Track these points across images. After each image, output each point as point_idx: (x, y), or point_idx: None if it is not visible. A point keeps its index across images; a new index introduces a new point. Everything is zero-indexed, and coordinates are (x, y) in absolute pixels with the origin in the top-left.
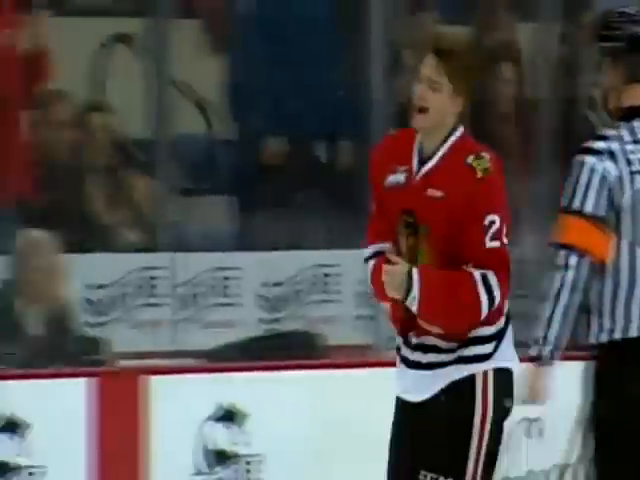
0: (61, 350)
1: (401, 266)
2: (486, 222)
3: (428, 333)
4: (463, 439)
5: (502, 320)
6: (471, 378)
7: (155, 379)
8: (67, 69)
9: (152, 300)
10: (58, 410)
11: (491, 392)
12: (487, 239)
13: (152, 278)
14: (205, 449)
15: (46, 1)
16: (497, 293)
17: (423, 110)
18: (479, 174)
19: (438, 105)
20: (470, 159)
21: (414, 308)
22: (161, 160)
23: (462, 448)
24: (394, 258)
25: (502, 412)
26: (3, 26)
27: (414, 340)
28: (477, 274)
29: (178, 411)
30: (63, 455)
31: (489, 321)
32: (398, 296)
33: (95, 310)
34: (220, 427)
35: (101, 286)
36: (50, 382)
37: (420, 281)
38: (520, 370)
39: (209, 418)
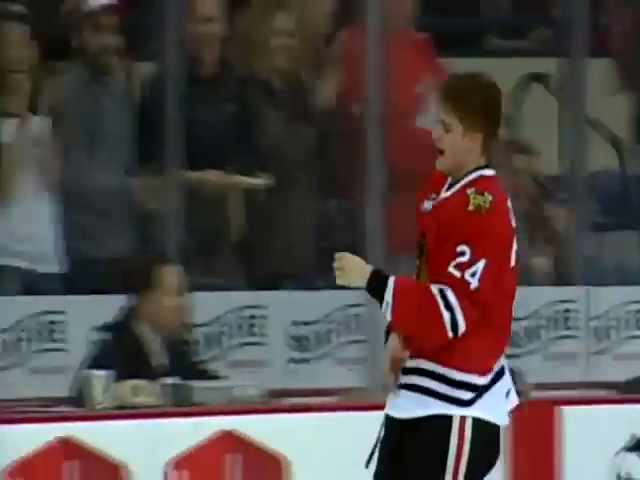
0: None
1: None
2: (457, 250)
3: (416, 356)
4: (435, 476)
5: (488, 377)
6: (449, 420)
7: (568, 410)
8: None
9: (566, 332)
10: None
11: (468, 439)
12: (451, 265)
13: (566, 311)
14: (618, 479)
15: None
16: (458, 311)
17: (441, 152)
18: (470, 207)
19: (451, 144)
20: (470, 191)
21: (388, 313)
22: (577, 196)
23: None
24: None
25: (479, 462)
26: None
27: (407, 363)
28: (435, 289)
29: (590, 441)
30: None
31: (479, 369)
32: (352, 283)
33: (512, 342)
34: (634, 457)
35: (518, 318)
36: None
37: (393, 285)
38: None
39: (622, 449)
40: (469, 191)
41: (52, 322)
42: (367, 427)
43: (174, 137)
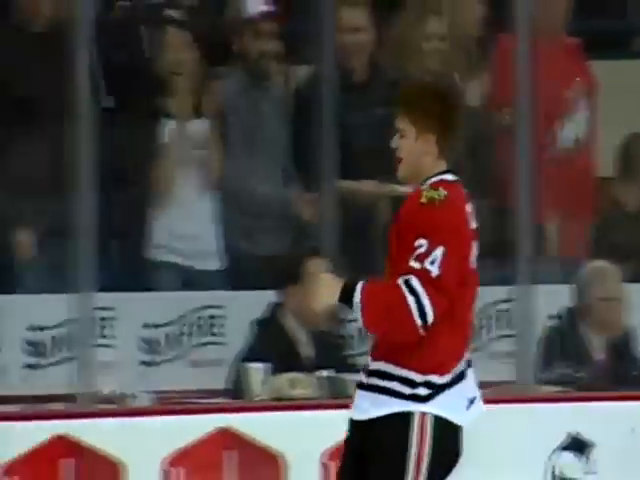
0: (624, 375)
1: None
2: (416, 244)
3: (377, 359)
4: (398, 474)
5: (447, 377)
6: (409, 417)
7: None
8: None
9: None
10: (621, 431)
11: (429, 436)
12: (411, 259)
13: None
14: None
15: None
16: (424, 297)
17: (399, 160)
18: (423, 199)
19: (406, 149)
20: (424, 187)
21: (357, 314)
22: None
23: None
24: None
25: (439, 462)
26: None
27: (370, 366)
28: (400, 280)
29: None
30: (628, 476)
31: (437, 370)
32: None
33: None
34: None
35: None
36: (616, 405)
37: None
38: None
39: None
40: (423, 187)
41: (212, 317)
42: (516, 420)
43: (329, 143)
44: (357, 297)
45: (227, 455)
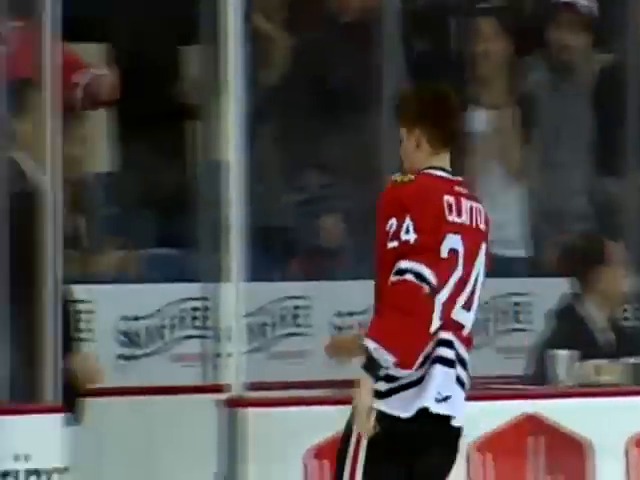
0: None
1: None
2: (387, 227)
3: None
4: (341, 468)
5: (413, 377)
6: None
7: None
8: None
9: None
10: None
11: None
12: (388, 241)
13: None
14: None
15: None
16: (418, 266)
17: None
18: (390, 185)
19: (404, 152)
20: (395, 175)
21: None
22: None
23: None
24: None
25: (383, 456)
26: None
27: None
28: (390, 279)
29: None
30: None
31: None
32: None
33: None
34: None
35: None
36: None
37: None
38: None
39: None
40: (394, 176)
41: (516, 304)
42: None
43: (634, 131)
44: (369, 343)
45: (532, 440)
